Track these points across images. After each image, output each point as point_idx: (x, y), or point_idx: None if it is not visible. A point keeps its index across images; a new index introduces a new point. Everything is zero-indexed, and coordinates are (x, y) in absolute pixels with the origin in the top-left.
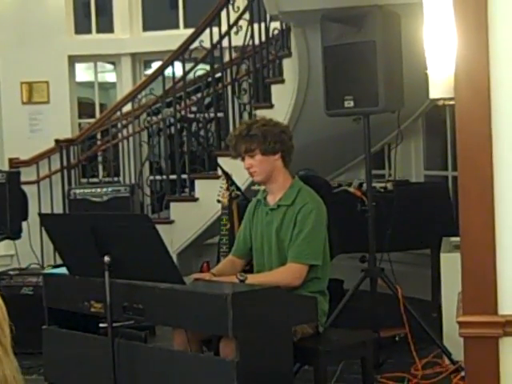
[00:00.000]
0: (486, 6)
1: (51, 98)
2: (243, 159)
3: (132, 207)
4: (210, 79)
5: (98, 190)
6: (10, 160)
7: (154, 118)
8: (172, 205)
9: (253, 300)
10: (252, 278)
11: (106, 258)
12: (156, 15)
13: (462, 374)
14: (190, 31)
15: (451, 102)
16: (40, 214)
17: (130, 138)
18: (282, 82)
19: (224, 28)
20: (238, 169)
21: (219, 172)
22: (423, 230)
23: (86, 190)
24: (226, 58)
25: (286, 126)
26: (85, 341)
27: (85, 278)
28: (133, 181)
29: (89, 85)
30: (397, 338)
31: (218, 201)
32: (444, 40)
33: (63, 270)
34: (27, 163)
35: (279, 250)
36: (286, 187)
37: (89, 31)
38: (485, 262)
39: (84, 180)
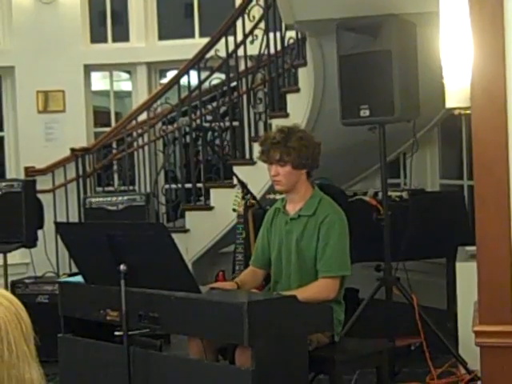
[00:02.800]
0: (502, 16)
1: (67, 106)
2: (271, 164)
3: (147, 216)
4: (225, 88)
5: (114, 198)
6: (26, 169)
7: (170, 127)
8: (187, 214)
9: (268, 309)
10: None
11: (122, 267)
12: (171, 24)
13: (478, 383)
14: (206, 40)
15: (467, 112)
16: (56, 223)
17: (146, 147)
18: (298, 91)
19: (239, 37)
20: (253, 178)
21: (235, 181)
22: (439, 239)
23: (101, 199)
24: (242, 67)
25: (318, 142)
26: (100, 349)
27: (100, 286)
28: (148, 189)
29: (104, 94)
30: (412, 347)
31: (234, 209)
32: (460, 49)
33: (79, 279)
34: (43, 172)
35: (299, 260)
36: (307, 197)
37: (104, 40)
38: (501, 271)
39: (99, 189)
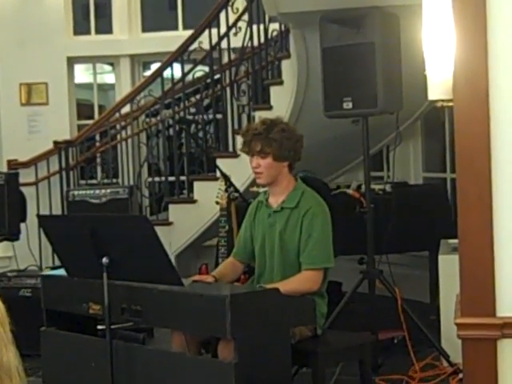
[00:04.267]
0: (485, 8)
1: (50, 99)
2: (252, 156)
3: (130, 209)
4: (208, 81)
5: (97, 191)
6: (9, 161)
7: (153, 120)
8: (171, 206)
9: (251, 302)
10: None
11: (105, 260)
12: (155, 16)
13: (460, 376)
14: (189, 32)
15: (450, 104)
16: (38, 216)
17: (129, 140)
18: (281, 83)
19: (223, 29)
20: (236, 170)
21: (218, 174)
22: (422, 232)
23: (84, 192)
24: (225, 60)
25: (301, 135)
26: (83, 343)
27: (83, 279)
28: (131, 182)
29: (87, 86)
30: (395, 340)
31: (217, 202)
32: (443, 41)
33: (61, 272)
34: (26, 165)
35: (282, 252)
36: (290, 189)
37: (88, 32)
38: (483, 263)
39: (83, 181)
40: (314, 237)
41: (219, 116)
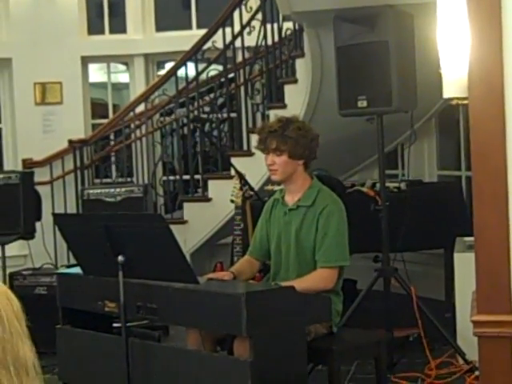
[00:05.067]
0: (499, 5)
1: (64, 98)
2: (267, 153)
3: (145, 207)
4: (222, 79)
5: (112, 190)
6: (24, 161)
7: (167, 119)
8: (185, 205)
9: (267, 299)
10: None
11: (120, 258)
12: (169, 16)
13: (477, 373)
14: (203, 32)
15: (465, 102)
16: (54, 214)
17: (143, 139)
18: (295, 82)
19: (237, 28)
20: (251, 169)
21: (232, 172)
22: (437, 229)
23: (99, 191)
24: (239, 59)
25: (316, 134)
26: (99, 340)
27: (99, 277)
28: (146, 181)
29: (102, 85)
30: (410, 338)
31: (232, 201)
32: (457, 39)
33: (77, 270)
34: (41, 164)
35: (298, 251)
36: (305, 188)
37: (102, 32)
38: (499, 261)
39: (97, 180)
40: (329, 235)
41: (233, 115)
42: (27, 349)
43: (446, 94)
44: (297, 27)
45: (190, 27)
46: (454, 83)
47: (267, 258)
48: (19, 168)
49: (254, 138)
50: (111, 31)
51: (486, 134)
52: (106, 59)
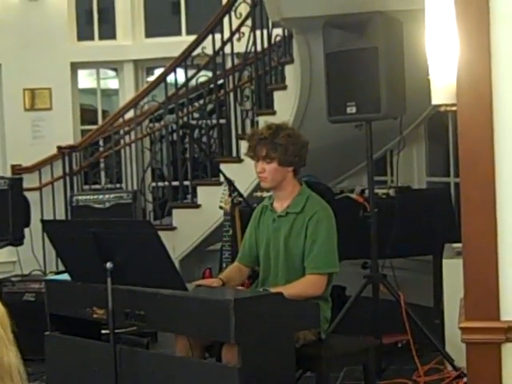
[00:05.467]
0: (488, 12)
1: (54, 104)
2: (257, 161)
3: (134, 214)
4: (212, 86)
5: (101, 196)
6: (13, 166)
7: (157, 125)
8: (174, 211)
9: (255, 306)
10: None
11: (109, 265)
12: (158, 22)
13: (465, 380)
14: (193, 38)
15: (453, 108)
16: (42, 221)
17: (133, 145)
18: (285, 88)
19: (226, 34)
20: (240, 175)
21: (221, 178)
22: (425, 236)
23: (88, 197)
24: (229, 65)
25: (306, 141)
26: (87, 347)
27: (87, 284)
28: (135, 187)
29: (91, 91)
30: (399, 345)
31: (221, 207)
32: (446, 46)
33: (65, 277)
34: (29, 170)
35: (286, 257)
36: (295, 194)
37: (91, 38)
38: (487, 268)
39: (86, 187)
40: (318, 242)
41: (223, 121)
42: (12, 355)
43: (435, 101)
44: (286, 33)
45: (179, 33)
46: (443, 90)
47: (256, 264)
48: (8, 174)
49: (244, 145)
50: (101, 37)
51: (474, 142)
52: (96, 65)
